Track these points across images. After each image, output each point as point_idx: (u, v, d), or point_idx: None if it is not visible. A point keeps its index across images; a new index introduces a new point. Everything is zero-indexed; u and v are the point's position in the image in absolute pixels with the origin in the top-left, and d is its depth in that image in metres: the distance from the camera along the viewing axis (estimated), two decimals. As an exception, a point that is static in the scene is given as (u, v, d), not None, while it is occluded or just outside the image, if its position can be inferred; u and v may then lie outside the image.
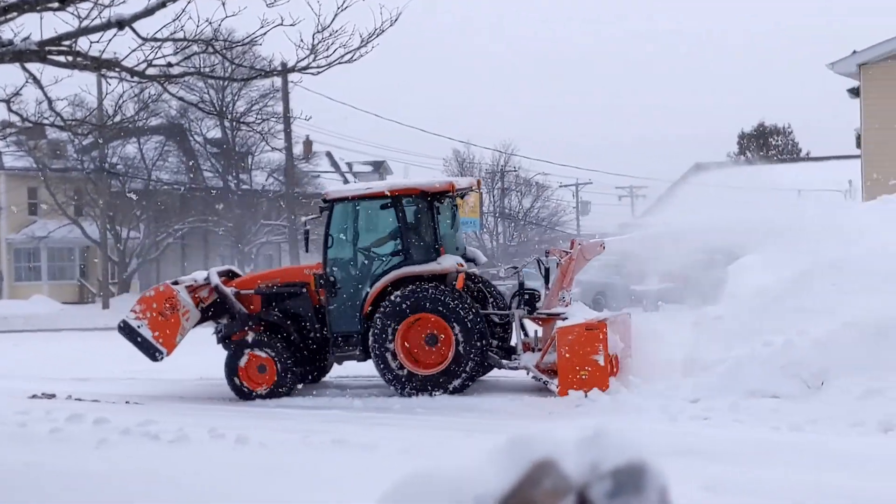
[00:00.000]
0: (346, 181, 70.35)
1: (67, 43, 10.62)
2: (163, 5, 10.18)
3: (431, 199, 17.13)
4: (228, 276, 18.80)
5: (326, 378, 19.11)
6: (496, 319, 17.42)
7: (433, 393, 16.44)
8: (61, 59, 10.78)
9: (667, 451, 7.59)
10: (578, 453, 2.86)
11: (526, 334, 17.31)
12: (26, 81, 11.90)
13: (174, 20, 10.91)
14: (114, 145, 56.77)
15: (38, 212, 60.93)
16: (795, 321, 14.90)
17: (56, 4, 10.31)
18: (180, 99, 25.38)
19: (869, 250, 15.89)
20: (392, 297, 16.67)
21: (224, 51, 12.87)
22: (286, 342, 17.50)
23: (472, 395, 16.42)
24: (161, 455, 10.15)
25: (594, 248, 17.60)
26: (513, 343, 17.45)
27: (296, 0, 11.20)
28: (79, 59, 10.75)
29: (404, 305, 16.60)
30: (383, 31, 11.95)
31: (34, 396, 17.06)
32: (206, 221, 59.94)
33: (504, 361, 16.87)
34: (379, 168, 76.17)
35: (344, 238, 17.68)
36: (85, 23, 10.36)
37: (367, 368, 18.65)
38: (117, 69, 11.05)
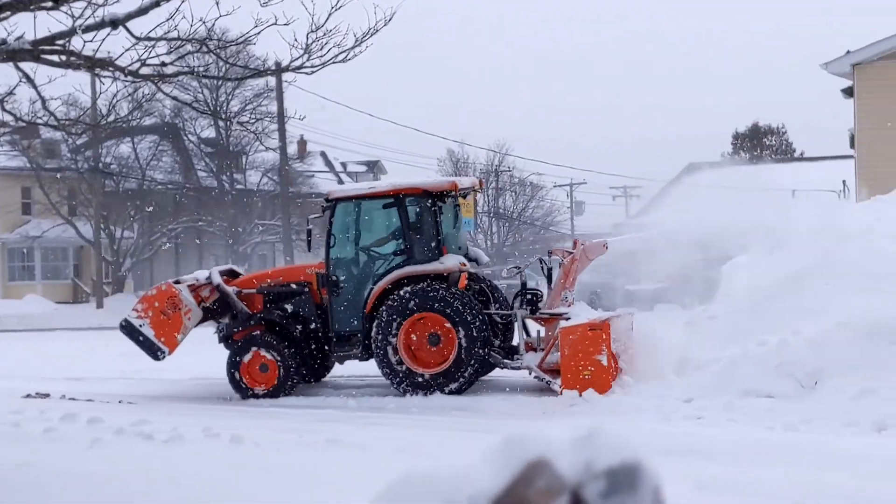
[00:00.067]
0: (340, 181, 70.31)
1: (61, 42, 10.61)
2: (156, 4, 10.18)
3: (434, 199, 17.13)
4: (230, 275, 18.77)
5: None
6: (498, 319, 17.41)
7: (435, 392, 16.44)
8: (55, 58, 10.77)
9: (661, 451, 7.60)
10: (572, 453, 2.86)
11: (528, 334, 17.31)
12: (20, 81, 11.89)
13: (168, 19, 10.91)
14: (108, 145, 56.74)
15: (31, 211, 60.84)
16: (790, 321, 14.91)
17: (50, 4, 10.31)
18: (174, 98, 25.36)
19: (863, 250, 15.92)
20: (397, 295, 16.66)
21: (218, 50, 12.87)
22: (288, 342, 17.48)
23: (467, 395, 16.42)
24: (156, 455, 10.14)
25: (597, 248, 17.58)
26: (515, 343, 17.47)
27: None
28: (72, 58, 10.74)
29: (410, 304, 16.59)
30: (377, 30, 11.96)
31: (28, 396, 17.05)
32: (200, 221, 59.92)
33: (507, 361, 16.88)
34: (373, 168, 76.14)
35: (346, 237, 17.67)
36: (79, 22, 10.35)
37: (362, 368, 18.67)
38: (111, 68, 11.04)
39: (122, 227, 58.01)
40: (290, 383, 17.29)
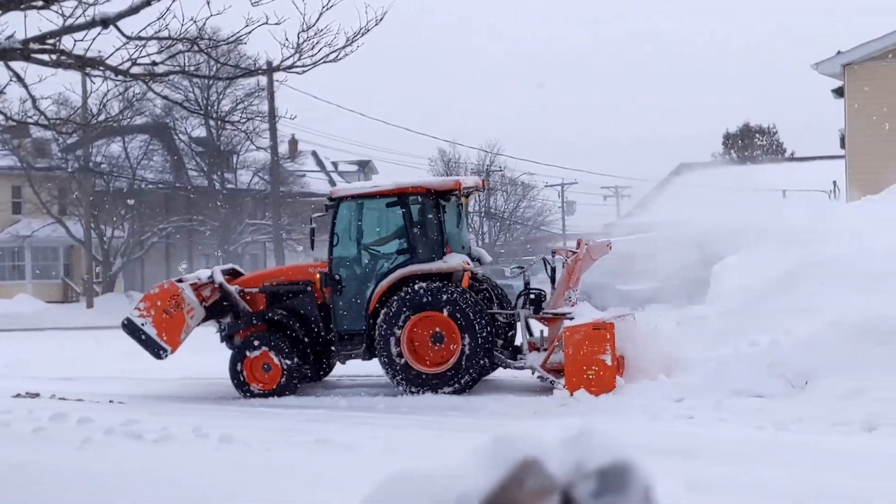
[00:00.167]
0: (331, 180, 70.37)
1: (52, 41, 10.59)
2: (147, 4, 10.17)
3: (438, 198, 17.12)
4: (232, 274, 18.73)
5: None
6: (501, 319, 17.41)
7: (426, 392, 16.43)
8: (45, 57, 10.75)
9: (651, 451, 7.60)
10: (563, 452, 2.86)
11: (531, 334, 17.30)
12: (10, 80, 11.87)
13: (159, 19, 10.90)
14: (98, 144, 56.62)
15: (22, 210, 60.72)
16: (780, 321, 14.95)
17: (40, 3, 10.29)
18: (165, 98, 25.28)
19: (853, 250, 15.97)
20: (411, 289, 16.62)
21: (209, 49, 12.86)
22: (291, 341, 17.45)
23: (458, 395, 16.41)
24: (146, 454, 10.13)
25: (601, 247, 17.55)
26: (518, 343, 17.46)
27: (281, -1, 11.21)
28: (63, 57, 10.72)
29: (423, 300, 16.57)
30: (368, 30, 11.96)
31: (18, 395, 17.01)
32: (190, 221, 59.84)
33: (510, 361, 16.87)
34: (364, 167, 76.15)
35: (349, 236, 17.66)
36: (69, 21, 10.34)
37: (353, 368, 18.65)
38: (102, 68, 11.02)
39: (113, 227, 57.90)
40: (292, 383, 17.27)
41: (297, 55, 11.64)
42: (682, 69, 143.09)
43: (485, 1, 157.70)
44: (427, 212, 17.18)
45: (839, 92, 29.62)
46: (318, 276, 17.62)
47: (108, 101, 14.72)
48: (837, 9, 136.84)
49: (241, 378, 17.34)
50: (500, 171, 71.78)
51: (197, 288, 17.91)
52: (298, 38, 11.57)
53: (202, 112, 51.57)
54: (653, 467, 2.93)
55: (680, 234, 17.62)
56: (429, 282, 16.68)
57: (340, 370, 19.12)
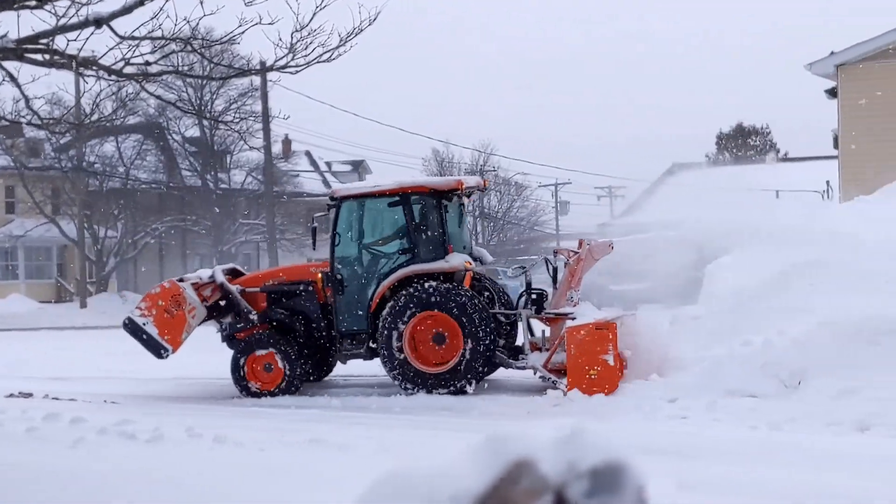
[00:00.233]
0: (325, 180, 70.38)
1: (45, 41, 10.58)
2: (140, 3, 10.16)
3: (440, 198, 17.12)
4: (233, 274, 18.72)
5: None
6: (502, 319, 17.41)
7: (432, 391, 16.44)
8: (39, 57, 10.75)
9: (644, 450, 7.60)
10: (556, 452, 2.86)
11: (532, 334, 17.30)
12: (3, 80, 11.84)
13: (152, 18, 10.89)
14: (91, 144, 56.54)
15: (15, 210, 60.64)
16: (773, 321, 14.96)
17: (34, 3, 10.28)
18: (158, 97, 25.23)
19: (847, 250, 15.98)
20: (420, 286, 16.62)
21: (202, 49, 12.85)
22: (292, 341, 17.46)
23: (451, 394, 16.41)
24: (139, 455, 10.12)
25: (603, 247, 17.54)
26: (519, 343, 17.45)
27: (274, -1, 11.21)
28: (56, 57, 10.72)
29: (431, 298, 16.56)
30: (362, 30, 11.96)
31: (11, 395, 16.98)
32: (184, 220, 59.79)
33: (511, 361, 16.87)
34: (358, 167, 76.14)
35: (351, 236, 17.65)
36: (62, 21, 10.33)
37: (346, 367, 18.64)
38: (95, 67, 11.02)
39: (106, 227, 57.81)
40: (294, 382, 17.27)
41: (291, 55, 11.64)
42: (675, 69, 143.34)
43: (478, 1, 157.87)
44: (429, 211, 17.18)
45: (832, 92, 29.65)
46: (319, 275, 17.62)
47: (101, 100, 14.73)
48: (831, 9, 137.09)
49: (241, 373, 17.34)
50: (494, 171, 71.79)
51: (198, 287, 17.90)
52: (292, 38, 11.58)
53: (195, 112, 51.51)
54: (646, 467, 2.93)
55: (678, 234, 17.65)
56: (439, 282, 16.68)
57: (334, 370, 19.11)
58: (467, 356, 16.40)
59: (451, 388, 16.43)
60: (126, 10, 10.23)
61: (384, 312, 16.71)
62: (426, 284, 16.60)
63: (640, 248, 18.27)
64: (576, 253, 17.17)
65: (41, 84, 12.50)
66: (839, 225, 17.24)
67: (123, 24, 10.59)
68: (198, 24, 11.46)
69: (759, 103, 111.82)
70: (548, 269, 17.77)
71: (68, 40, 10.59)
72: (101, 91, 13.61)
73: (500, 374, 17.62)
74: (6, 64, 11.44)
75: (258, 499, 7.87)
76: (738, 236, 17.78)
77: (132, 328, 17.52)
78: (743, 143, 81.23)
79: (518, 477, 2.82)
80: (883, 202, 19.35)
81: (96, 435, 11.36)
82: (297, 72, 11.82)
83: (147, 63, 11.38)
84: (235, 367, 17.37)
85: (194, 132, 60.84)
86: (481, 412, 14.86)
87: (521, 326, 17.28)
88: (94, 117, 15.29)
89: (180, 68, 16.43)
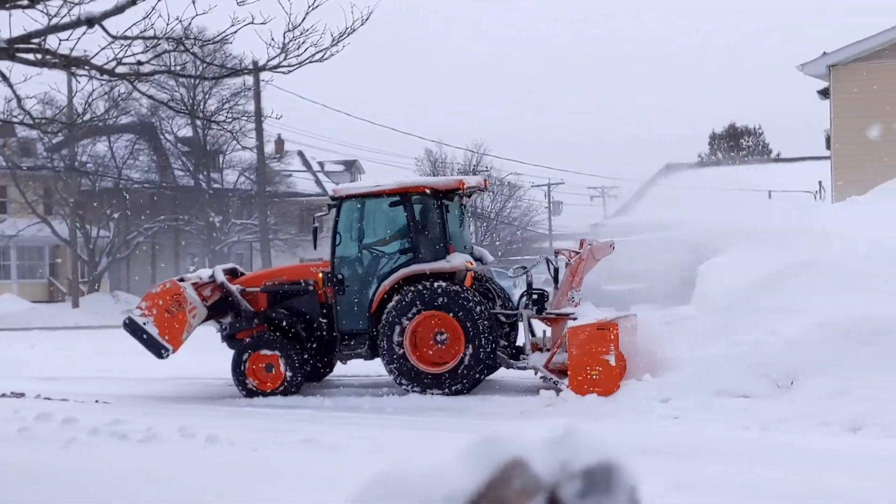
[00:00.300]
0: (317, 180, 70.38)
1: (37, 41, 10.56)
2: (132, 3, 10.14)
3: (440, 197, 17.11)
4: (233, 273, 18.70)
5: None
6: (503, 319, 17.41)
7: (426, 391, 16.43)
8: (30, 56, 10.72)
9: (637, 450, 7.60)
10: (548, 453, 2.86)
11: (533, 334, 17.29)
12: (-6, 79, 11.82)
13: (144, 18, 10.86)
14: (84, 143, 56.50)
15: (7, 210, 60.54)
16: (766, 321, 14.98)
17: (25, 2, 10.26)
18: (150, 97, 25.25)
19: (839, 251, 16.02)
20: (427, 285, 16.61)
21: (195, 49, 12.83)
22: (293, 341, 17.43)
23: (445, 395, 16.41)
24: (131, 455, 10.10)
25: (604, 248, 17.52)
26: (520, 343, 17.45)
27: (267, -2, 11.20)
28: (48, 56, 10.69)
29: (429, 299, 16.55)
30: (354, 30, 11.96)
31: (3, 395, 16.95)
32: (176, 220, 59.73)
33: (512, 362, 16.86)
34: (351, 167, 76.12)
35: (352, 236, 17.63)
36: (54, 20, 10.31)
37: (342, 369, 18.64)
38: (87, 67, 10.99)
39: (98, 226, 57.73)
40: (295, 382, 17.25)
41: (283, 55, 11.63)
42: (669, 69, 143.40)
43: (471, 0, 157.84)
44: (430, 211, 17.17)
45: (825, 93, 29.70)
46: (320, 275, 17.60)
47: (93, 100, 14.70)
48: (826, 9, 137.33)
49: (242, 368, 17.32)
50: (487, 171, 71.79)
51: (198, 287, 17.88)
52: (284, 37, 11.56)
53: (188, 112, 51.46)
54: (639, 467, 2.93)
55: (671, 234, 17.67)
56: (448, 283, 16.66)
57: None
58: (466, 361, 16.39)
59: (447, 390, 16.43)
60: (118, 10, 10.21)
61: (389, 306, 16.69)
62: (435, 284, 16.59)
63: (632, 249, 18.28)
64: (577, 253, 17.16)
65: (33, 84, 12.48)
66: (831, 225, 17.27)
67: (115, 24, 10.57)
68: (190, 23, 11.43)
69: (753, 103, 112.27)
70: (549, 270, 17.76)
71: (60, 40, 10.56)
72: (93, 91, 13.58)
73: (495, 373, 17.61)
74: (-2, 63, 11.42)
75: (251, 499, 7.86)
76: (731, 237, 17.80)
77: (132, 328, 17.50)
78: (736, 143, 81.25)
79: (511, 477, 2.82)
80: (875, 203, 19.38)
81: (88, 435, 11.33)
82: (290, 72, 11.81)
83: (139, 63, 11.36)
84: (237, 363, 17.34)
85: (187, 132, 60.79)
86: (475, 412, 14.87)
87: (522, 327, 17.26)
88: (87, 117, 15.27)
89: (172, 68, 16.45)
